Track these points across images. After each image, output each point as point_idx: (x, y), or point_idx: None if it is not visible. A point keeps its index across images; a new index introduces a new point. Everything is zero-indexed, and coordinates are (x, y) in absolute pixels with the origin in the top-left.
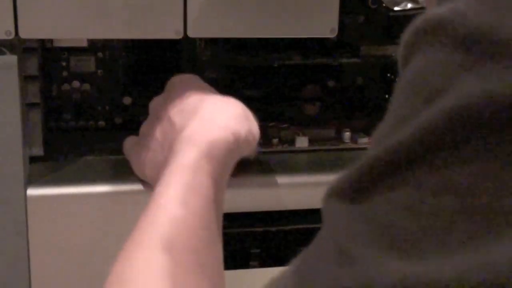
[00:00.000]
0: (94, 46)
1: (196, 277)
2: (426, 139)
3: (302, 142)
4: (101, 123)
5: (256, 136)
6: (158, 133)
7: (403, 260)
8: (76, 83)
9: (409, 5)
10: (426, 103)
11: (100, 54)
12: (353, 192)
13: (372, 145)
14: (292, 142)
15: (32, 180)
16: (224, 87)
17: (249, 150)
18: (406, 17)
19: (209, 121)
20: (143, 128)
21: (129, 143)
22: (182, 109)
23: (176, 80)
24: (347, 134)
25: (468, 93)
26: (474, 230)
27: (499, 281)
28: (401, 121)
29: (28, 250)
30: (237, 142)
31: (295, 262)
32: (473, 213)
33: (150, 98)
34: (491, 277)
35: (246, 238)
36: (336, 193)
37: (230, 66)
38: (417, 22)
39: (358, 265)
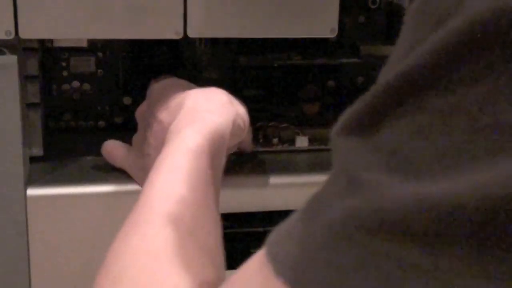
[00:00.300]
0: (94, 46)
1: (199, 255)
2: (435, 61)
3: (302, 142)
4: (101, 123)
5: (245, 118)
6: (151, 138)
7: (415, 182)
8: (76, 83)
9: None
10: (435, 27)
11: (100, 54)
12: (361, 125)
13: (380, 77)
14: (292, 142)
15: (32, 180)
16: (224, 87)
17: (242, 135)
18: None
19: (194, 109)
20: (135, 139)
21: (119, 150)
22: (167, 107)
23: (156, 85)
24: None
25: (477, 11)
26: (487, 148)
27: None
28: (410, 48)
29: (28, 250)
30: (226, 125)
31: (304, 204)
32: (486, 131)
33: None
34: (507, 191)
35: (246, 238)
36: (344, 129)
37: (230, 66)
38: None
39: (369, 190)
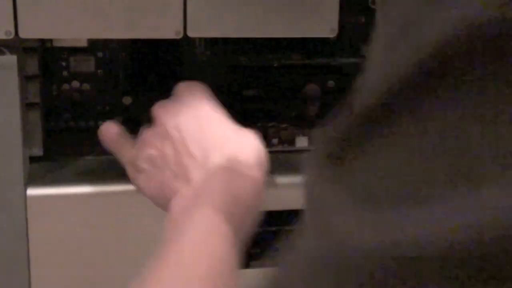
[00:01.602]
0: (94, 46)
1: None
2: (396, 88)
3: (302, 142)
4: (101, 123)
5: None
6: (169, 152)
7: (383, 220)
8: (76, 83)
9: None
10: (401, 37)
11: (100, 54)
12: (333, 155)
13: (356, 91)
14: (292, 142)
15: (32, 180)
16: (224, 87)
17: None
18: None
19: (234, 171)
20: (147, 136)
21: (125, 142)
22: (201, 142)
23: (186, 90)
24: None
25: (448, 23)
26: (443, 188)
27: (477, 233)
28: (377, 64)
29: (28, 250)
30: (258, 190)
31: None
32: (454, 168)
33: (150, 98)
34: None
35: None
36: (315, 158)
37: (229, 66)
38: None
39: (335, 234)
